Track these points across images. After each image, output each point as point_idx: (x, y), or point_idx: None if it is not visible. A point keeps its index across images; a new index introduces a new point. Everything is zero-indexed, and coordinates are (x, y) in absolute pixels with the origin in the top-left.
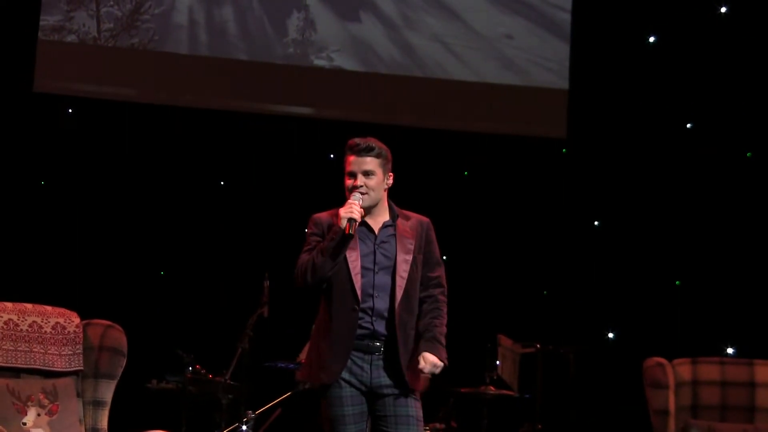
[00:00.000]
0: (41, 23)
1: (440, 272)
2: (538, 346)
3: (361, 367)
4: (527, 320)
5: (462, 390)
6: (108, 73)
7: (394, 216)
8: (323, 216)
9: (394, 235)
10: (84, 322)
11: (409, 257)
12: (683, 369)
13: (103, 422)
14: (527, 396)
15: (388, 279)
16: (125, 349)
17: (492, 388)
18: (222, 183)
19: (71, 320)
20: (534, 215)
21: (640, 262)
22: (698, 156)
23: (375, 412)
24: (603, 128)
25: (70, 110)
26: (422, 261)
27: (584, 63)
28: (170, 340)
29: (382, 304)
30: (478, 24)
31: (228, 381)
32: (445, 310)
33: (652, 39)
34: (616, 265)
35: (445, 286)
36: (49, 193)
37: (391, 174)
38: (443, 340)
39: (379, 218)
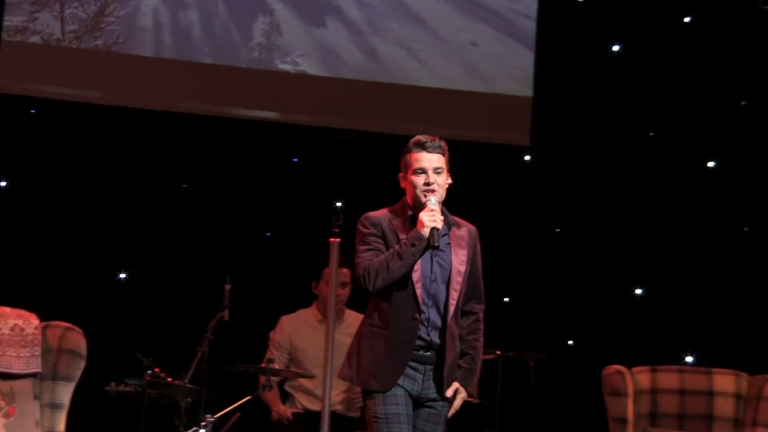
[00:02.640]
0: (5, 24)
1: (482, 286)
2: (498, 352)
3: (414, 378)
4: (487, 327)
5: None
6: (72, 75)
7: (449, 223)
8: (379, 215)
9: (449, 243)
10: (43, 323)
11: (463, 268)
12: (642, 377)
13: (61, 425)
14: (487, 402)
15: (442, 289)
16: (84, 352)
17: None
18: (184, 186)
19: (30, 322)
20: (496, 222)
21: (601, 270)
22: (660, 164)
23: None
24: (566, 136)
25: (32, 111)
26: (469, 272)
27: (548, 71)
28: (130, 343)
29: (435, 314)
30: (443, 31)
31: (187, 384)
32: (482, 328)
33: (616, 48)
34: (577, 273)
35: (485, 302)
36: (11, 194)
37: (449, 174)
38: (478, 367)
39: None
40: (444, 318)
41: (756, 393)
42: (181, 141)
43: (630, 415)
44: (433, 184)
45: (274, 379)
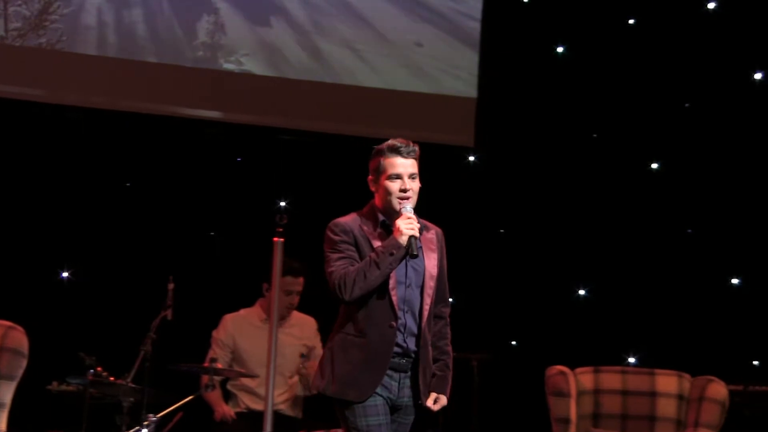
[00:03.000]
0: None
1: (448, 288)
2: None
3: (389, 386)
4: None
5: None
6: (15, 73)
7: (421, 226)
8: (347, 221)
9: (420, 247)
10: None
11: (435, 272)
12: (585, 378)
13: (2, 424)
14: None
15: (417, 294)
16: (26, 351)
17: None
18: (128, 184)
19: None
20: (439, 222)
21: (544, 271)
22: (603, 166)
23: None
24: (510, 137)
25: None
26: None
27: (493, 72)
28: (72, 342)
29: (411, 320)
30: (388, 31)
31: (130, 384)
32: (450, 333)
33: (560, 49)
34: (521, 273)
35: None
36: None
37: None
38: (451, 371)
39: None
40: (419, 324)
41: (698, 394)
42: (124, 140)
43: (573, 415)
44: (408, 190)
45: (217, 378)
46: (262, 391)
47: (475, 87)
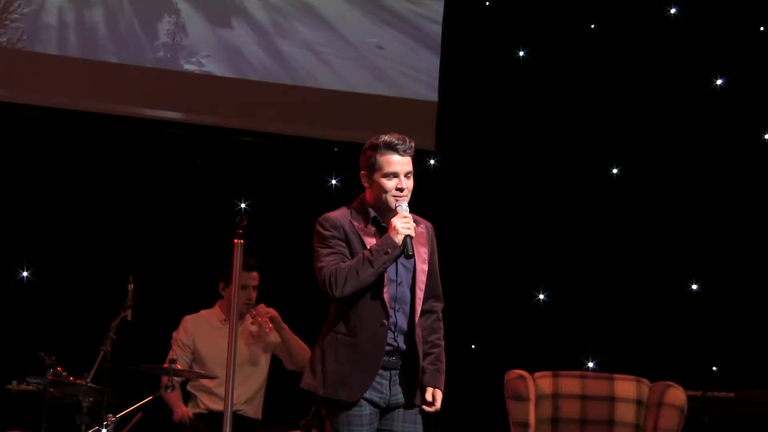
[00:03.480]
0: None
1: (440, 283)
2: None
3: (381, 384)
4: None
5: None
6: None
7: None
8: (338, 216)
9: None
10: None
11: (425, 267)
12: (544, 382)
13: None
14: None
15: (406, 291)
16: None
17: None
18: (88, 185)
19: None
20: None
21: (504, 275)
22: (563, 170)
23: (380, 427)
24: (471, 140)
25: None
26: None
27: (454, 75)
28: (32, 342)
29: (402, 318)
30: (349, 34)
31: (90, 384)
32: (443, 328)
33: (521, 53)
34: (480, 277)
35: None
36: None
37: None
38: (444, 365)
39: None
40: (411, 321)
41: (657, 399)
42: (84, 140)
43: (532, 419)
44: (405, 189)
45: (177, 379)
46: (221, 391)
47: (436, 90)
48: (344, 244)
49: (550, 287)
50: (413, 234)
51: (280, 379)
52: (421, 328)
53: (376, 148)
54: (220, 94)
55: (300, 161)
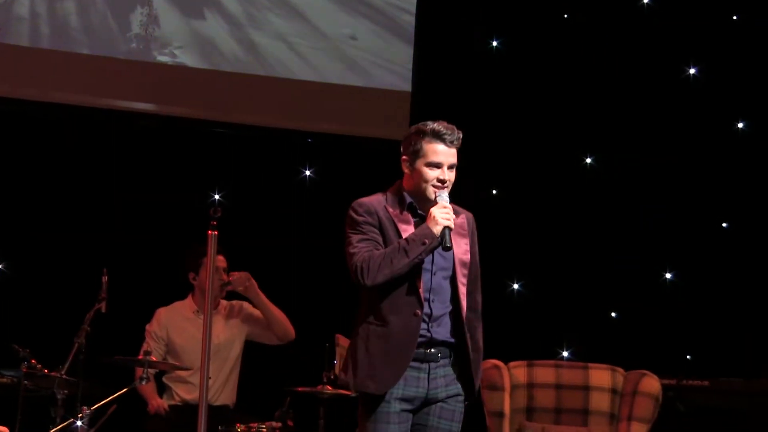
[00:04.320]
0: None
1: (480, 276)
2: None
3: (417, 379)
4: None
5: (299, 389)
6: None
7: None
8: (373, 202)
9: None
10: None
11: (467, 258)
12: (519, 372)
13: None
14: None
15: (445, 282)
16: None
17: (329, 387)
18: (62, 176)
19: None
20: None
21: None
22: (537, 160)
23: (416, 421)
24: None
25: None
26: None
27: (428, 66)
28: (6, 334)
29: (439, 309)
30: (322, 24)
31: (64, 376)
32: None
33: (495, 43)
34: None
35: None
36: None
37: None
38: (480, 365)
39: None
40: (458, 312)
41: (631, 388)
42: (58, 132)
43: (507, 409)
44: (447, 181)
45: (152, 371)
46: (196, 380)
47: (410, 81)
48: (377, 231)
49: (524, 277)
50: (452, 226)
51: (255, 371)
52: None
53: (422, 135)
54: (194, 86)
55: (274, 152)
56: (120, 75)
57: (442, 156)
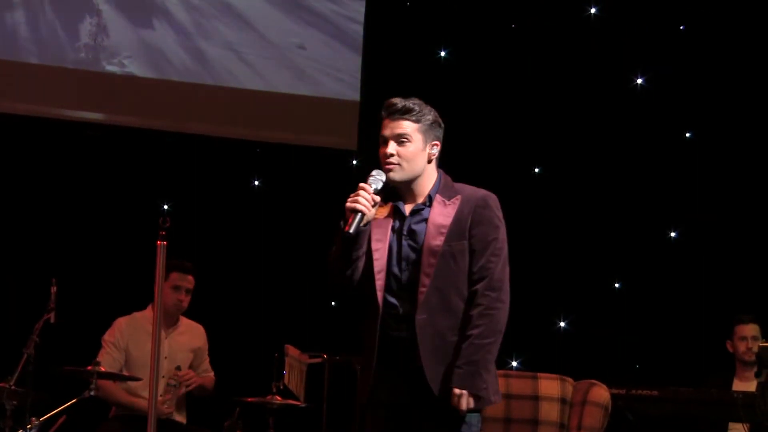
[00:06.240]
0: None
1: (489, 260)
2: (325, 356)
3: (394, 384)
4: (315, 330)
5: (248, 399)
6: None
7: (431, 195)
8: None
9: (425, 220)
10: None
11: (438, 245)
12: None
13: None
14: (313, 406)
15: (414, 275)
16: None
17: (278, 398)
18: (9, 186)
19: None
20: (323, 226)
21: None
22: (486, 169)
23: (402, 426)
24: None
25: None
26: (469, 249)
27: (376, 75)
28: None
29: (411, 307)
30: (270, 34)
31: (13, 387)
32: (492, 312)
33: (443, 53)
34: None
35: (497, 277)
36: None
37: (437, 143)
38: (482, 361)
39: (419, 198)
40: (414, 309)
41: (581, 398)
42: (5, 142)
43: None
44: (392, 156)
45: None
46: (147, 394)
47: (358, 90)
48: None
49: None
50: (362, 210)
51: None
52: (462, 320)
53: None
54: (142, 95)
55: (223, 162)
56: (68, 84)
57: (386, 129)
